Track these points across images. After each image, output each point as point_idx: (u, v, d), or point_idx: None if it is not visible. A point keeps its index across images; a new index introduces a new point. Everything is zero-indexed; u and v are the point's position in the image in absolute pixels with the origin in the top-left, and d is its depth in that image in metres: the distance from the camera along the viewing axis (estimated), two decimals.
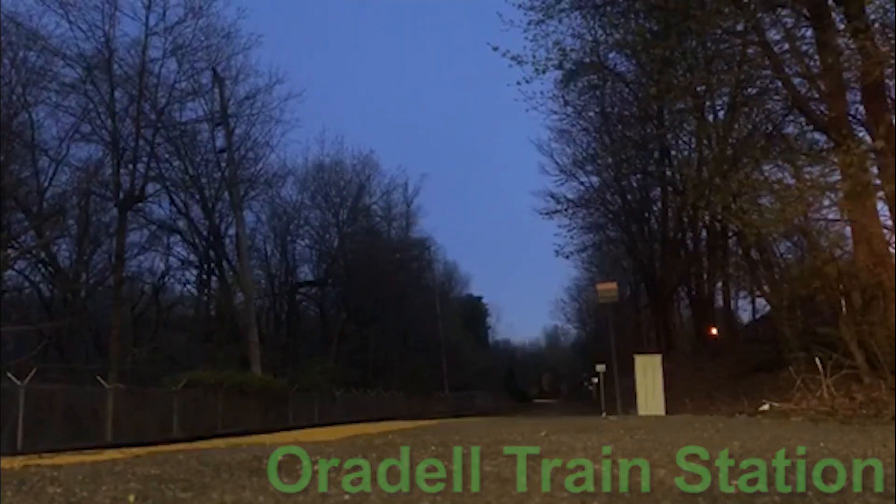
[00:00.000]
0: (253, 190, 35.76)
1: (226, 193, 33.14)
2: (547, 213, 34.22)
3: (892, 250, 13.93)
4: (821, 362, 13.96)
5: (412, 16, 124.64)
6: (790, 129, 18.68)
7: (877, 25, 13.67)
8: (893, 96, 14.52)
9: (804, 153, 16.58)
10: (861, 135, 14.61)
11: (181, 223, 34.22)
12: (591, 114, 31.85)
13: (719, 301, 32.57)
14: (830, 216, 15.82)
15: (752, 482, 3.41)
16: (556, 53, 17.77)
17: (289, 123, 51.75)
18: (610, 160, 31.49)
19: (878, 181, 13.53)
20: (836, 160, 13.84)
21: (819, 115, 15.33)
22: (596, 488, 3.32)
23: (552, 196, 35.04)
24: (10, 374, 15.03)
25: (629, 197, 35.58)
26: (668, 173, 29.95)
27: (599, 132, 32.79)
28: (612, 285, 31.10)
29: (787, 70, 15.51)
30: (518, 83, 17.98)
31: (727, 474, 3.70)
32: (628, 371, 21.61)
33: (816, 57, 15.00)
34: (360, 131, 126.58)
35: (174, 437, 17.06)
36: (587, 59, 20.97)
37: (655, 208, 35.76)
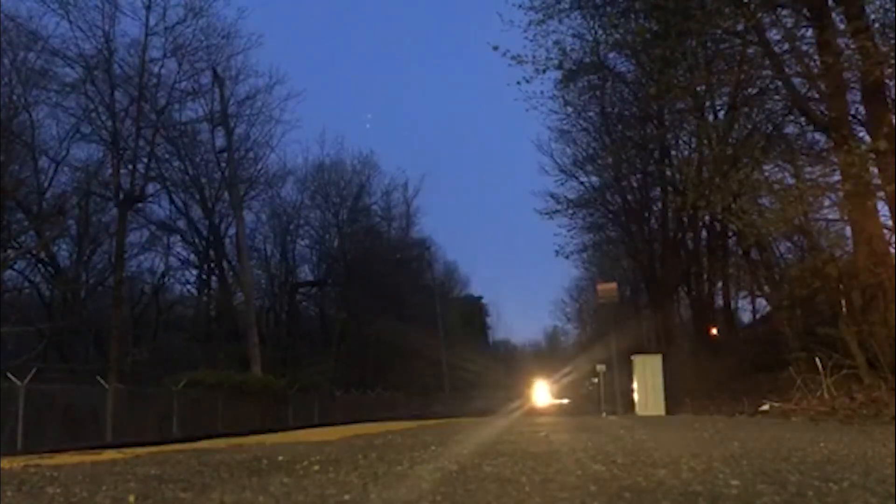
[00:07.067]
0: (253, 190, 35.87)
1: (226, 193, 33.18)
2: (547, 213, 34.13)
3: (892, 250, 13.93)
4: (821, 362, 13.96)
5: (412, 16, 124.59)
6: (790, 129, 18.69)
7: (877, 25, 13.67)
8: (893, 96, 14.51)
9: (804, 153, 16.58)
10: (861, 135, 14.61)
11: (181, 223, 34.33)
12: (591, 114, 31.79)
13: (719, 301, 32.54)
14: (830, 216, 15.83)
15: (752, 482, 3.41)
16: (557, 53, 17.78)
17: (289, 123, 51.73)
18: (610, 160, 31.42)
19: (878, 181, 13.53)
20: (836, 160, 13.83)
21: (819, 115, 15.32)
22: (596, 488, 3.32)
23: (552, 196, 34.92)
24: (10, 374, 15.03)
25: (629, 197, 35.52)
26: (668, 173, 29.91)
27: (599, 132, 32.72)
28: (612, 285, 31.12)
29: (787, 70, 15.49)
30: (518, 83, 17.95)
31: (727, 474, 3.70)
32: (629, 371, 21.61)
33: (816, 57, 14.99)
34: (361, 131, 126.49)
35: (174, 437, 17.05)
36: (587, 59, 20.95)
37: (655, 208, 35.69)
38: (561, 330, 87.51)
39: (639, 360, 20.10)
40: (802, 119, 16.87)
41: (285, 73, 61.72)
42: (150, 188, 29.71)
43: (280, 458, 5.37)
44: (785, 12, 15.53)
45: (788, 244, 20.87)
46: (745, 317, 34.94)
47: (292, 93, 39.39)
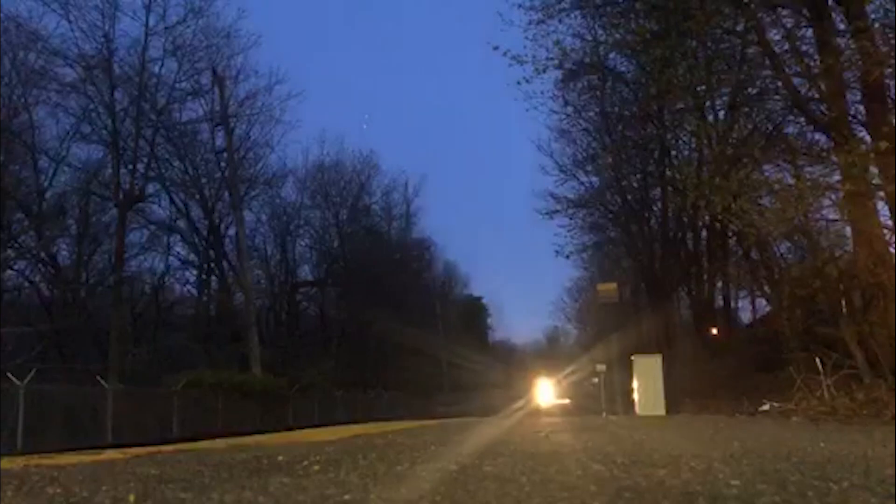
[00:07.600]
0: (253, 190, 35.87)
1: (226, 193, 33.17)
2: (547, 213, 34.13)
3: (892, 250, 13.92)
4: (821, 362, 13.96)
5: (412, 16, 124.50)
6: (790, 129, 18.67)
7: (877, 25, 13.66)
8: (894, 96, 14.50)
9: (804, 153, 16.56)
10: (861, 135, 14.60)
11: (181, 223, 34.31)
12: (591, 114, 31.84)
13: (719, 301, 32.56)
14: (830, 216, 15.82)
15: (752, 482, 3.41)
16: (557, 53, 17.75)
17: (289, 123, 51.59)
18: (610, 160, 31.45)
19: (877, 181, 13.51)
20: (836, 160, 13.83)
21: (819, 115, 15.32)
22: (596, 488, 3.31)
23: (552, 196, 34.97)
24: (9, 375, 15.02)
25: (629, 197, 35.52)
26: (668, 173, 29.93)
27: (599, 132, 32.75)
28: (612, 285, 31.14)
29: (787, 70, 15.49)
30: (518, 83, 17.87)
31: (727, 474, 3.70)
32: (629, 371, 21.62)
33: (816, 57, 14.99)
34: (360, 131, 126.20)
35: (174, 437, 17.04)
36: (587, 59, 20.94)
37: (655, 208, 35.72)
38: (561, 330, 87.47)
39: (639, 361, 20.11)
40: (802, 119, 16.86)
41: (285, 73, 61.55)
42: (150, 188, 29.77)
43: (280, 458, 5.38)
44: (785, 12, 15.52)
45: (788, 244, 20.85)
46: (745, 317, 34.96)
47: (292, 93, 39.37)
